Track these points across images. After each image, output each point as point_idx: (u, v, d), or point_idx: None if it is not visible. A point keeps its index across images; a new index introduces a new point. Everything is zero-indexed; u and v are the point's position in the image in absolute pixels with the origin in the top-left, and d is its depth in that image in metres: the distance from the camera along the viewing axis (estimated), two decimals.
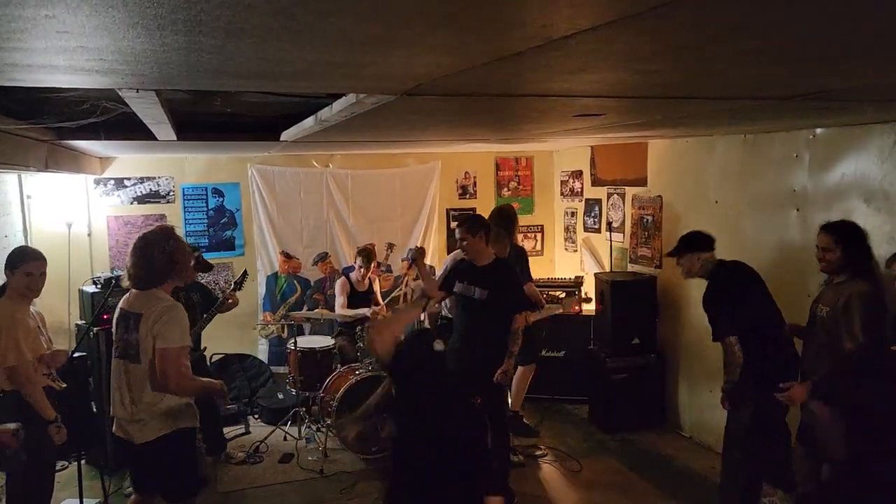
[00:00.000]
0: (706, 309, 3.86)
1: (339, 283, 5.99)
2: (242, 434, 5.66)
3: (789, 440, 3.94)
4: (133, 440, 3.18)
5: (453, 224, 7.20)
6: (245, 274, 5.26)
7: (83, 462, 4.20)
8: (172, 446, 3.19)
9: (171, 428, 3.18)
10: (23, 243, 5.45)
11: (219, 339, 5.91)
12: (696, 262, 3.88)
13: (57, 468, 4.78)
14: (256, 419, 5.95)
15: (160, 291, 3.19)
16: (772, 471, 4.04)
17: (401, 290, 6.80)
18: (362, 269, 5.85)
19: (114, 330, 3.31)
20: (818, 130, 4.20)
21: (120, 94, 2.41)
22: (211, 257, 6.46)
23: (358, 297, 5.90)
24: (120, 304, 3.31)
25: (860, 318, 3.19)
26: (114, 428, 3.31)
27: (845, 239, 3.33)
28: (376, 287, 6.12)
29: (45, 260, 3.65)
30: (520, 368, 5.62)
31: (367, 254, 5.93)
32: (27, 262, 3.55)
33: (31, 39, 1.44)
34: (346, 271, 6.20)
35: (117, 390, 3.24)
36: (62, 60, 1.69)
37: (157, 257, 3.15)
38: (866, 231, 3.40)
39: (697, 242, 3.92)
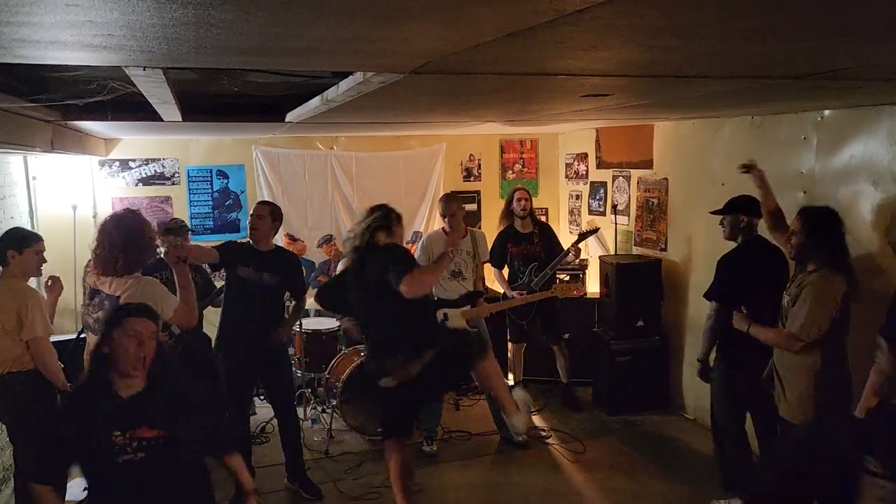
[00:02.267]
0: (716, 267, 3.98)
1: (342, 264, 6.00)
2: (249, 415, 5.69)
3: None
4: None
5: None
6: None
7: None
8: None
9: None
10: (28, 225, 5.47)
11: None
12: (739, 223, 3.94)
13: None
14: (262, 400, 5.97)
15: None
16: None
17: None
18: None
19: (84, 302, 3.58)
20: (826, 112, 4.17)
21: (127, 72, 2.39)
22: (216, 239, 6.47)
23: None
24: (91, 283, 3.48)
25: (807, 307, 3.18)
26: None
27: (811, 224, 3.27)
28: None
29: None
30: (511, 346, 5.86)
31: None
32: (38, 242, 3.74)
33: (39, 13, 1.43)
34: None
35: None
36: (70, 36, 1.68)
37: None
38: (841, 221, 3.33)
39: (744, 205, 3.97)
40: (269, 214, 4.31)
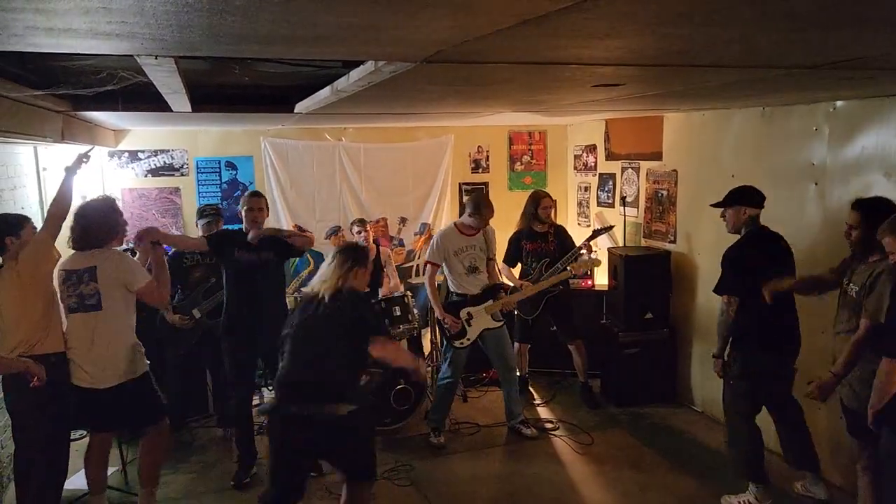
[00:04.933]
0: (721, 262, 3.91)
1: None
2: (256, 405, 5.70)
3: (799, 416, 3.95)
4: (98, 386, 3.54)
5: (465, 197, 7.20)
6: None
7: None
8: (135, 390, 3.62)
9: (131, 375, 3.59)
10: (38, 216, 5.48)
11: None
12: (741, 215, 3.86)
13: (75, 437, 4.88)
14: (270, 391, 5.99)
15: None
16: (792, 453, 4.04)
17: (414, 262, 6.82)
18: (363, 234, 5.86)
19: (59, 289, 3.61)
20: (838, 103, 4.14)
21: (138, 60, 2.39)
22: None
23: None
24: (61, 267, 3.63)
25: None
26: (76, 378, 3.58)
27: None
28: (390, 259, 6.12)
29: None
30: (516, 345, 5.76)
31: (359, 220, 5.92)
32: (27, 220, 3.74)
33: (53, 0, 1.43)
34: None
35: (82, 341, 3.55)
36: (83, 23, 1.68)
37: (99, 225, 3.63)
38: None
39: (745, 196, 3.89)
40: (266, 207, 4.58)
